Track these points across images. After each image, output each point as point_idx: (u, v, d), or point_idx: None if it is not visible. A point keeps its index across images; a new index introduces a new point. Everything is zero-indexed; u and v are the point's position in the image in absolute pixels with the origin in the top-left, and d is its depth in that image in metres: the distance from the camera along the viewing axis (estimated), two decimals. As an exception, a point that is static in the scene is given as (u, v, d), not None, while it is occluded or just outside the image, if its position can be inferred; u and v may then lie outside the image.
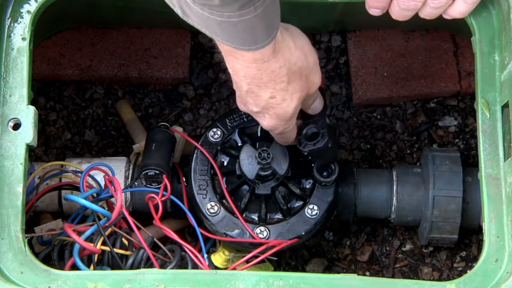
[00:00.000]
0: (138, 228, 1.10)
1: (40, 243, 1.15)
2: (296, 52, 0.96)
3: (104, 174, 1.14)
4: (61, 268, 1.05)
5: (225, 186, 1.14)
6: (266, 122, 1.02)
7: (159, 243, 1.12)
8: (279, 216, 1.15)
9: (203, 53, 1.43)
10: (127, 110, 1.38)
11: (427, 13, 1.00)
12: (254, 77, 0.94)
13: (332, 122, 1.11)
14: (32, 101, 1.04)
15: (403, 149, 1.38)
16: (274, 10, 0.89)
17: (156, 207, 1.13)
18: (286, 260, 1.31)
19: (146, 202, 1.15)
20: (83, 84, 1.41)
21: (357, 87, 1.39)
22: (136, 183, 1.19)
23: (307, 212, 1.13)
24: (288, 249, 1.21)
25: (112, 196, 1.12)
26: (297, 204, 1.15)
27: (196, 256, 1.08)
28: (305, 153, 1.08)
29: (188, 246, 1.09)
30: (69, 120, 1.40)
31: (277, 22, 0.90)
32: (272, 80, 0.95)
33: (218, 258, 1.17)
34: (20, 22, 1.05)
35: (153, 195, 1.14)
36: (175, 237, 1.10)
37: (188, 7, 0.86)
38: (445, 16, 1.02)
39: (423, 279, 1.29)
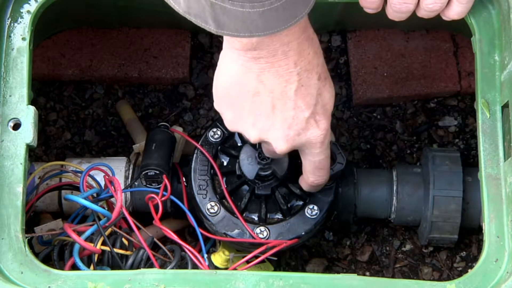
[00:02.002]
0: (138, 228, 1.10)
1: (40, 243, 1.15)
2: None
3: (104, 174, 1.14)
4: (61, 268, 1.05)
5: (225, 186, 1.14)
6: (320, 129, 0.97)
7: (159, 243, 1.12)
8: (279, 216, 1.15)
9: (203, 53, 1.43)
10: (127, 110, 1.38)
11: (423, 15, 1.01)
12: (304, 56, 0.90)
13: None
14: (32, 101, 1.04)
15: (403, 149, 1.38)
16: None
17: (156, 207, 1.13)
18: (286, 260, 1.31)
19: (146, 202, 1.15)
20: (83, 84, 1.41)
21: (357, 87, 1.39)
22: (136, 183, 1.19)
23: (307, 212, 1.13)
24: (288, 249, 1.21)
25: (112, 196, 1.12)
26: (297, 204, 1.15)
27: (195, 257, 1.08)
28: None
29: (187, 246, 1.09)
30: (69, 120, 1.40)
31: None
32: (318, 57, 0.92)
33: (218, 258, 1.17)
34: (20, 22, 1.05)
35: (153, 195, 1.14)
36: (174, 237, 1.10)
37: (225, 13, 0.83)
38: (444, 18, 1.02)
39: (423, 279, 1.29)
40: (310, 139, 0.97)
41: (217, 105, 0.98)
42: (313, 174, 1.05)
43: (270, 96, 0.92)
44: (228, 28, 0.85)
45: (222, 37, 0.88)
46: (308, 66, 0.91)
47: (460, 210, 1.17)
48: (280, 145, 0.97)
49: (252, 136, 0.97)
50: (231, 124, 0.98)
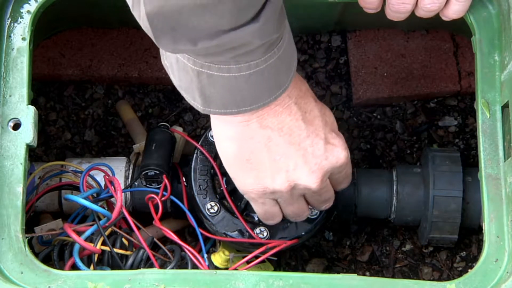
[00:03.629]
0: (138, 228, 1.10)
1: (40, 243, 1.15)
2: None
3: (104, 174, 1.14)
4: (61, 268, 1.05)
5: (225, 186, 1.14)
6: (341, 147, 0.97)
7: (159, 243, 1.12)
8: (279, 216, 1.15)
9: (203, 53, 1.43)
10: (127, 110, 1.37)
11: (422, 15, 1.01)
12: (293, 86, 0.90)
13: None
14: (32, 101, 1.04)
15: (403, 149, 1.38)
16: (292, 50, 0.87)
17: (156, 207, 1.13)
18: (286, 260, 1.31)
19: (146, 202, 1.15)
20: (83, 84, 1.41)
21: (357, 87, 1.39)
22: (136, 183, 1.19)
23: (307, 212, 1.13)
24: (288, 249, 1.21)
25: (112, 196, 1.12)
26: (297, 204, 1.15)
27: (195, 257, 1.08)
28: None
29: (187, 247, 1.09)
30: (69, 120, 1.40)
31: (295, 62, 0.89)
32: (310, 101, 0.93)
33: (218, 258, 1.17)
34: (20, 22, 1.05)
35: (153, 195, 1.14)
36: (174, 238, 1.10)
37: (211, 83, 0.82)
38: (443, 18, 1.02)
39: (423, 279, 1.29)
40: (336, 160, 0.96)
41: (232, 172, 0.97)
42: (342, 186, 1.05)
43: (281, 136, 0.91)
44: (216, 104, 0.85)
45: None
46: (301, 93, 0.91)
47: (460, 210, 1.17)
48: (312, 179, 0.94)
49: (281, 184, 0.94)
50: (254, 184, 0.95)
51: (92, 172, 1.14)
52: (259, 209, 1.02)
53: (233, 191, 1.15)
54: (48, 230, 1.16)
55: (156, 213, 1.12)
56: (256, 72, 0.82)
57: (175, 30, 0.76)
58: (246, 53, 0.80)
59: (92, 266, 1.07)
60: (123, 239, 1.10)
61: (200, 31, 0.76)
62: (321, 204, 1.05)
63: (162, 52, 0.87)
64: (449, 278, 1.28)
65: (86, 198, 1.09)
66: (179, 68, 0.85)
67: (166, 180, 1.14)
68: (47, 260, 1.09)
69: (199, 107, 0.87)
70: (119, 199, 1.08)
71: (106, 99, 1.41)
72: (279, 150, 0.92)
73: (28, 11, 1.06)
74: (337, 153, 0.96)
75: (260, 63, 0.82)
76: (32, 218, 1.21)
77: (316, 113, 0.93)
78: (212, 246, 1.24)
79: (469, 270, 0.99)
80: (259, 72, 0.82)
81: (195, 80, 0.83)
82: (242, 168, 0.95)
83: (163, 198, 1.14)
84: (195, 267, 1.08)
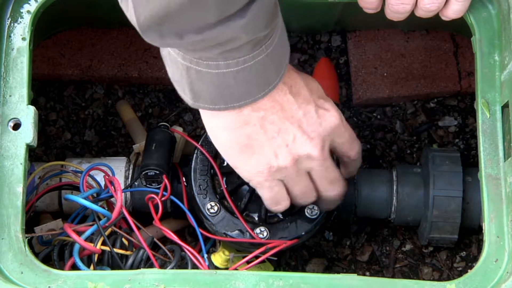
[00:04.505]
0: (138, 228, 1.10)
1: (40, 243, 1.15)
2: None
3: (104, 174, 1.14)
4: (61, 268, 1.05)
5: (225, 186, 1.14)
6: (331, 111, 0.97)
7: (159, 243, 1.12)
8: (279, 216, 1.15)
9: (203, 53, 1.43)
10: (127, 110, 1.37)
11: (421, 15, 1.02)
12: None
13: None
14: (32, 101, 1.04)
15: (403, 149, 1.38)
16: (283, 49, 0.88)
17: (156, 207, 1.13)
18: (286, 260, 1.31)
19: (146, 202, 1.15)
20: (83, 84, 1.41)
21: (357, 87, 1.39)
22: (136, 183, 1.19)
23: (307, 212, 1.13)
24: (288, 249, 1.21)
25: (112, 196, 1.12)
26: (297, 204, 1.15)
27: (195, 257, 1.08)
28: None
29: (187, 247, 1.09)
30: (69, 120, 1.40)
31: (286, 60, 0.89)
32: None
33: (218, 258, 1.17)
34: (20, 22, 1.05)
35: (153, 195, 1.14)
36: (174, 238, 1.10)
37: (200, 78, 0.83)
38: (443, 18, 1.02)
39: (423, 279, 1.29)
40: (331, 123, 0.96)
41: (230, 160, 0.96)
42: (351, 155, 1.05)
43: (274, 113, 0.91)
44: (204, 99, 0.86)
45: None
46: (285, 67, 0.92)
47: (460, 210, 1.17)
48: (312, 146, 0.95)
49: (284, 159, 0.94)
50: (259, 167, 0.96)
51: (92, 172, 1.14)
52: (267, 193, 1.01)
53: (233, 191, 1.15)
54: (48, 230, 1.16)
55: (156, 213, 1.12)
56: (244, 69, 0.83)
57: (161, 25, 0.76)
58: (233, 50, 0.81)
59: (92, 266, 1.07)
60: (123, 239, 1.10)
61: (186, 25, 0.76)
62: (328, 187, 1.04)
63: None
64: (449, 278, 1.28)
65: (86, 198, 1.09)
66: (171, 61, 0.86)
67: (166, 180, 1.14)
68: (47, 260, 1.09)
69: (189, 101, 0.88)
70: (119, 199, 1.08)
71: (106, 99, 1.41)
72: (275, 128, 0.93)
73: (28, 11, 1.06)
74: (329, 116, 0.96)
75: (247, 59, 0.83)
76: (32, 218, 1.21)
77: (300, 84, 0.94)
78: (212, 246, 1.24)
79: (469, 270, 0.99)
80: (246, 69, 0.83)
81: (184, 74, 0.84)
82: (242, 155, 0.95)
83: (163, 198, 1.14)
84: (195, 267, 1.08)
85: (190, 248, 1.08)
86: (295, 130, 0.94)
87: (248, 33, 0.80)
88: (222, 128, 0.93)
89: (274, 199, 1.03)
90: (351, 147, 1.04)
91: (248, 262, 1.09)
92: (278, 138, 0.94)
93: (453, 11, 1.01)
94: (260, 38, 0.82)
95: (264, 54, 0.84)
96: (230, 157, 0.97)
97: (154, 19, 0.76)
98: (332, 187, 1.04)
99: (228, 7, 0.76)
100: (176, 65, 0.85)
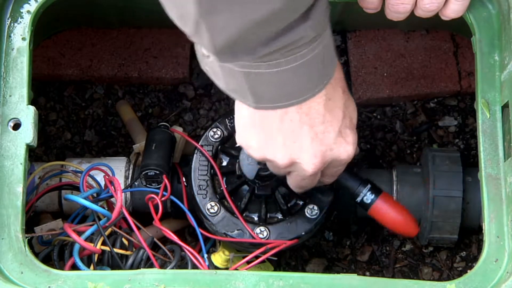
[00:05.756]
0: (138, 228, 1.10)
1: (40, 243, 1.15)
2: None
3: (104, 174, 1.14)
4: (61, 268, 1.05)
5: (225, 186, 1.14)
6: (349, 144, 0.96)
7: (159, 243, 1.12)
8: (279, 216, 1.15)
9: (203, 53, 1.43)
10: (127, 110, 1.38)
11: (421, 14, 1.01)
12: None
13: None
14: (32, 101, 1.04)
15: (403, 149, 1.38)
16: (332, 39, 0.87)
17: (156, 207, 1.13)
18: (286, 260, 1.31)
19: (146, 202, 1.15)
20: (83, 84, 1.41)
21: (357, 87, 1.39)
22: (136, 183, 1.19)
23: (307, 212, 1.13)
24: (288, 249, 1.21)
25: (112, 196, 1.12)
26: (297, 204, 1.15)
27: (195, 257, 1.08)
28: None
29: (187, 247, 1.09)
30: (69, 120, 1.40)
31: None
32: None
33: (218, 258, 1.17)
34: (20, 22, 1.05)
35: (153, 195, 1.14)
36: (174, 238, 1.10)
37: (260, 80, 0.82)
38: (442, 17, 1.02)
39: (423, 279, 1.29)
40: (340, 154, 0.95)
41: (240, 137, 0.95)
42: (327, 179, 1.04)
43: (298, 113, 0.91)
44: (267, 99, 0.85)
45: None
46: (332, 81, 0.91)
47: (460, 210, 1.17)
48: (310, 163, 0.94)
49: (281, 158, 0.94)
50: (258, 150, 0.95)
51: (92, 172, 1.14)
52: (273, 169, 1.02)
53: (233, 191, 1.15)
54: (48, 230, 1.16)
55: (156, 213, 1.12)
56: (303, 63, 0.82)
57: (235, 46, 0.77)
58: (296, 48, 0.81)
59: (92, 266, 1.07)
60: (123, 239, 1.10)
61: (258, 42, 0.77)
62: (297, 189, 1.04)
63: (200, 58, 0.87)
64: (449, 278, 1.28)
65: (86, 198, 1.09)
66: (225, 73, 0.84)
67: (166, 180, 1.14)
68: (47, 260, 1.09)
69: (251, 104, 0.87)
70: (119, 199, 1.08)
71: (106, 99, 1.41)
72: (291, 126, 0.92)
73: (28, 11, 1.06)
74: (344, 148, 0.95)
75: (306, 53, 0.82)
76: (32, 218, 1.21)
77: (338, 104, 0.93)
78: (212, 246, 1.24)
79: (469, 270, 0.99)
80: (305, 63, 0.83)
81: (243, 81, 0.83)
82: (250, 131, 0.94)
83: (163, 198, 1.14)
84: (195, 267, 1.08)
85: (190, 248, 1.08)
86: (306, 140, 0.93)
87: (314, 31, 0.80)
88: (242, 117, 0.94)
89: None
90: (331, 180, 1.05)
91: (248, 262, 1.09)
92: (289, 136, 0.93)
93: (452, 11, 1.01)
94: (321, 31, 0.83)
95: (321, 45, 0.83)
96: (241, 131, 0.96)
97: (229, 43, 0.76)
98: (300, 190, 1.05)
99: (293, 14, 0.76)
100: (233, 74, 0.83)
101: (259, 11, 0.73)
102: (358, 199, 1.10)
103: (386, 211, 1.10)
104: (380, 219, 1.11)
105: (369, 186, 1.10)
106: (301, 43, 0.80)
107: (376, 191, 1.10)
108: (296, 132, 0.92)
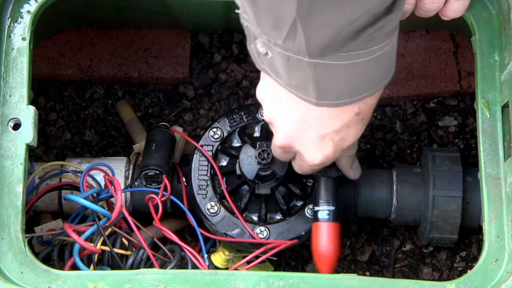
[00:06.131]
0: (138, 228, 1.10)
1: (40, 243, 1.15)
2: None
3: (104, 174, 1.14)
4: (61, 268, 1.05)
5: (225, 186, 1.14)
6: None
7: (159, 243, 1.12)
8: (279, 216, 1.15)
9: (203, 53, 1.43)
10: (127, 110, 1.38)
11: (421, 14, 1.02)
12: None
13: None
14: (32, 101, 1.04)
15: (403, 149, 1.38)
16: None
17: (156, 207, 1.13)
18: (286, 260, 1.31)
19: (146, 202, 1.15)
20: (83, 84, 1.41)
21: (357, 87, 1.39)
22: (136, 183, 1.19)
23: (307, 212, 1.13)
24: (288, 249, 1.21)
25: (112, 196, 1.12)
26: (297, 204, 1.15)
27: (195, 257, 1.08)
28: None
29: (187, 247, 1.09)
30: (69, 120, 1.40)
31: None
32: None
33: (218, 258, 1.17)
34: (20, 22, 1.05)
35: (153, 195, 1.14)
36: (174, 238, 1.10)
37: (328, 75, 0.81)
38: (442, 17, 1.02)
39: (423, 279, 1.29)
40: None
41: (259, 94, 0.94)
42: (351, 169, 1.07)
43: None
44: (329, 96, 0.84)
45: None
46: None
47: (460, 210, 1.17)
48: (318, 155, 0.94)
49: (282, 140, 0.94)
50: (272, 113, 0.94)
51: (92, 172, 1.14)
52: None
53: (233, 191, 1.15)
54: (48, 230, 1.16)
55: (156, 213, 1.12)
56: (374, 59, 0.82)
57: (328, 47, 0.77)
58: (371, 40, 0.80)
59: (92, 266, 1.07)
60: (123, 239, 1.10)
61: (348, 37, 0.77)
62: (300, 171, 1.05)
63: (255, 57, 0.85)
64: (449, 278, 1.28)
65: (86, 198, 1.09)
66: (290, 66, 0.83)
67: (166, 180, 1.14)
68: (47, 260, 1.09)
69: (312, 100, 0.86)
70: (119, 199, 1.08)
71: (106, 99, 1.41)
72: (309, 115, 0.90)
73: (28, 11, 1.06)
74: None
75: (377, 49, 0.82)
76: (32, 218, 1.21)
77: (359, 127, 0.92)
78: (212, 246, 1.24)
79: (469, 270, 0.99)
80: (375, 59, 0.82)
81: (310, 73, 0.82)
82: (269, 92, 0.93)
83: (163, 198, 1.14)
84: (195, 267, 1.08)
85: (190, 248, 1.09)
86: (316, 140, 0.93)
87: (393, 24, 0.80)
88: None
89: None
90: (299, 170, 1.04)
91: (248, 262, 1.09)
92: (302, 124, 0.91)
93: (452, 11, 1.01)
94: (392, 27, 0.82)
95: (394, 41, 0.83)
96: (260, 91, 0.95)
97: (323, 42, 0.76)
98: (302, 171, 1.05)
99: (381, 7, 0.76)
100: (299, 67, 0.82)
101: (358, 9, 0.73)
102: (317, 208, 1.10)
103: (322, 237, 1.09)
104: (313, 238, 1.10)
105: (334, 208, 1.09)
106: (377, 36, 0.79)
107: (335, 218, 1.09)
108: (310, 128, 0.91)
